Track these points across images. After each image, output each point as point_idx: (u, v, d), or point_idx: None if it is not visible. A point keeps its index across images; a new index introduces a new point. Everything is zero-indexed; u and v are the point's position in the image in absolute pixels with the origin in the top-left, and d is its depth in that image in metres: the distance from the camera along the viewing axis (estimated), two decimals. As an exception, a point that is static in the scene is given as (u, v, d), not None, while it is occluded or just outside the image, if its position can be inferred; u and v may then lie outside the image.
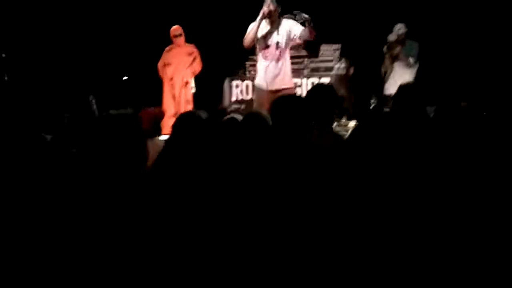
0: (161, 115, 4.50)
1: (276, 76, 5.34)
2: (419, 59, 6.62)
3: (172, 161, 2.63)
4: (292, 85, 5.69)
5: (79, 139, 2.97)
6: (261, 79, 5.44)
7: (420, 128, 3.21)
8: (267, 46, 5.36)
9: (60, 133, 3.14)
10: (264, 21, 5.29)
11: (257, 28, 5.28)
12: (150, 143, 3.14)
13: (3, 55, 6.69)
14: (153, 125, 3.55)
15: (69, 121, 3.21)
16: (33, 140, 2.44)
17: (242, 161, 2.78)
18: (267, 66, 5.36)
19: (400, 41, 6.56)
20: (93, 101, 3.46)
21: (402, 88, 3.60)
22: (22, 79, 7.17)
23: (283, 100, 2.81)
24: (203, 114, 2.81)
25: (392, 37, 6.57)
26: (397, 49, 6.56)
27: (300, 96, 3.03)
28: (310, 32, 5.21)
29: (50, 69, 7.69)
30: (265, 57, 5.39)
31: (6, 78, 6.71)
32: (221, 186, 2.49)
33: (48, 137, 3.06)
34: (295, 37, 5.32)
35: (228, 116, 3.12)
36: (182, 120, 2.75)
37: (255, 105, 5.56)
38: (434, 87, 4.39)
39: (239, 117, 3.09)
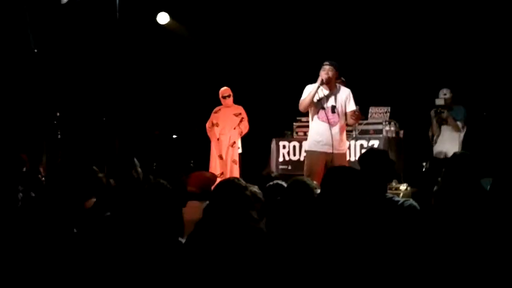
0: (213, 178, 4.47)
1: (329, 139, 5.31)
2: (467, 123, 6.61)
3: (210, 229, 2.57)
4: (345, 150, 5.65)
5: (121, 203, 2.95)
6: (313, 142, 5.41)
7: (476, 202, 3.03)
8: (323, 109, 5.39)
9: (103, 196, 3.13)
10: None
11: (315, 93, 5.34)
12: (200, 206, 3.10)
13: (58, 113, 6.92)
14: (203, 188, 3.52)
15: (115, 184, 3.21)
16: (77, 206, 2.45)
17: (286, 230, 2.68)
18: (321, 129, 5.36)
19: (447, 105, 6.57)
20: (138, 164, 3.46)
21: (455, 157, 3.44)
22: (74, 137, 7.38)
23: (335, 172, 2.70)
24: (243, 182, 2.75)
25: (439, 102, 6.59)
26: (445, 113, 6.57)
27: (353, 168, 2.91)
28: (357, 118, 5.49)
29: (100, 129, 7.90)
30: (320, 120, 5.40)
31: (59, 136, 6.92)
32: (262, 258, 2.39)
33: (93, 200, 3.06)
34: (346, 110, 5.45)
35: (273, 182, 3.03)
36: (222, 188, 2.70)
37: (306, 168, 5.50)
38: (488, 156, 4.19)
39: (283, 183, 3.00)
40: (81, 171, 3.28)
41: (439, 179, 3.53)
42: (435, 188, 3.46)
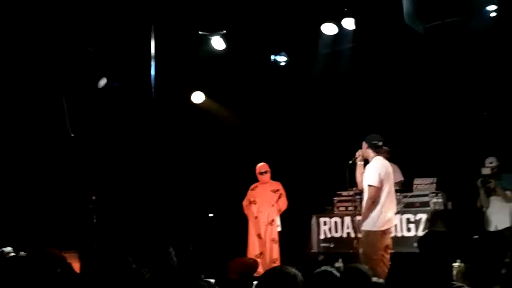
0: (254, 265, 4.21)
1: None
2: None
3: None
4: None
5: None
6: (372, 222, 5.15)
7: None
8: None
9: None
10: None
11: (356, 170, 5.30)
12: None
13: (93, 197, 6.86)
14: (245, 276, 3.28)
15: (148, 275, 3.02)
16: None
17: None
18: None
19: (494, 174, 6.35)
20: (173, 253, 3.29)
21: None
22: (110, 221, 7.28)
23: (403, 259, 2.44)
24: (292, 270, 2.49)
25: (485, 171, 6.38)
26: (492, 183, 6.35)
27: (418, 254, 2.65)
28: None
29: (134, 213, 7.79)
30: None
31: (95, 220, 6.82)
32: None
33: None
34: None
35: (321, 269, 2.76)
36: (270, 278, 2.45)
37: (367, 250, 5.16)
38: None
39: (333, 270, 2.72)
40: (115, 261, 3.10)
41: (506, 260, 3.20)
42: (503, 271, 3.13)
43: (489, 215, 6.43)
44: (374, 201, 5.05)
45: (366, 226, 5.10)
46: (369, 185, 5.10)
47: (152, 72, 6.83)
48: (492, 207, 6.42)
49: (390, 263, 4.92)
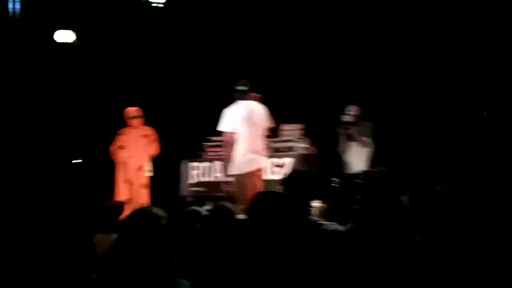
0: (120, 209, 4.12)
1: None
2: (375, 139, 6.79)
3: (119, 268, 2.29)
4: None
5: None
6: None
7: (397, 218, 2.99)
8: None
9: None
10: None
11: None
12: (108, 239, 2.78)
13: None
14: (109, 220, 3.21)
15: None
16: None
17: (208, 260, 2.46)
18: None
19: (354, 122, 6.75)
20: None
21: (373, 174, 3.40)
22: None
23: (261, 197, 2.54)
24: (157, 211, 2.47)
25: (346, 118, 6.78)
26: (351, 129, 6.75)
27: (278, 193, 2.77)
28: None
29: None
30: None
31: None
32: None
33: None
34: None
35: (190, 209, 2.80)
36: (136, 218, 2.42)
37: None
38: (404, 172, 4.22)
39: (202, 210, 2.78)
40: None
41: (358, 197, 3.47)
42: (355, 206, 3.39)
43: (348, 159, 6.89)
44: (229, 146, 5.15)
45: (232, 170, 5.23)
46: (221, 131, 5.21)
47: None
48: (351, 152, 6.87)
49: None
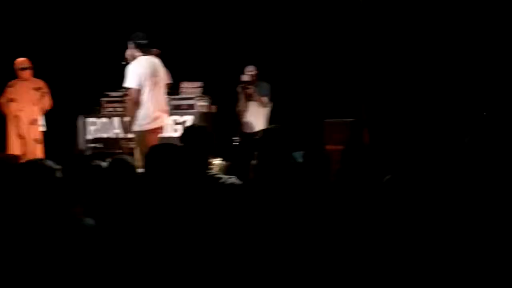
0: (14, 161, 3.94)
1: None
2: (272, 99, 6.98)
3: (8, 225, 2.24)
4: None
5: None
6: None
7: (290, 174, 3.16)
8: None
9: None
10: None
11: None
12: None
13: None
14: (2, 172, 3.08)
15: None
16: None
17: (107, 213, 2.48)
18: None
19: (253, 81, 6.92)
20: None
21: (269, 131, 3.54)
22: None
23: (157, 150, 2.57)
24: (51, 163, 2.42)
25: (245, 78, 6.93)
26: (251, 89, 6.90)
27: (175, 145, 2.80)
28: None
29: None
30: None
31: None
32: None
33: None
34: None
35: (94, 163, 2.77)
36: (27, 170, 2.35)
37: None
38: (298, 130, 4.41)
39: (103, 163, 2.76)
40: None
41: (255, 153, 3.61)
42: (253, 162, 3.53)
43: (247, 118, 7.06)
44: (135, 102, 5.09)
45: (135, 127, 5.18)
46: (126, 87, 5.12)
47: None
48: (250, 112, 7.05)
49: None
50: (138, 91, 5.09)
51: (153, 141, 5.12)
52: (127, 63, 5.25)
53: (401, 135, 6.85)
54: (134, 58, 5.23)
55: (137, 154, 5.02)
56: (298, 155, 3.50)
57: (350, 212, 2.62)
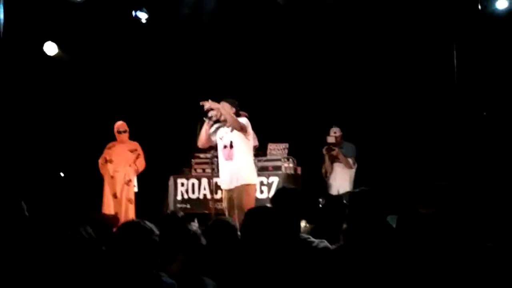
0: (114, 221, 4.15)
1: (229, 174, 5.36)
2: (357, 160, 6.95)
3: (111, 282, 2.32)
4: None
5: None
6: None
7: (384, 239, 3.06)
8: (224, 147, 5.41)
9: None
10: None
11: (206, 130, 5.43)
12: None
13: None
14: (103, 233, 3.23)
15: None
16: None
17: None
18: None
19: (337, 142, 6.91)
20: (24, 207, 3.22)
21: (359, 194, 3.44)
22: None
23: (254, 213, 2.61)
24: (148, 225, 2.50)
25: (330, 139, 6.94)
26: (335, 151, 6.89)
27: (271, 208, 2.84)
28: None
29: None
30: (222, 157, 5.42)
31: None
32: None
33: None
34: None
35: (194, 230, 2.84)
36: (126, 231, 2.44)
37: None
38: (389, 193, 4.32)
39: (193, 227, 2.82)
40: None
41: (345, 216, 3.54)
42: (344, 226, 3.48)
43: (332, 180, 7.03)
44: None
45: (244, 178, 5.32)
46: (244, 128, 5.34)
47: (1, 15, 6.23)
48: (335, 173, 7.01)
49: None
50: (253, 143, 5.51)
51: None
52: (210, 119, 5.44)
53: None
54: (219, 117, 5.45)
55: (231, 211, 5.15)
56: (391, 219, 3.41)
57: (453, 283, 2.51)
